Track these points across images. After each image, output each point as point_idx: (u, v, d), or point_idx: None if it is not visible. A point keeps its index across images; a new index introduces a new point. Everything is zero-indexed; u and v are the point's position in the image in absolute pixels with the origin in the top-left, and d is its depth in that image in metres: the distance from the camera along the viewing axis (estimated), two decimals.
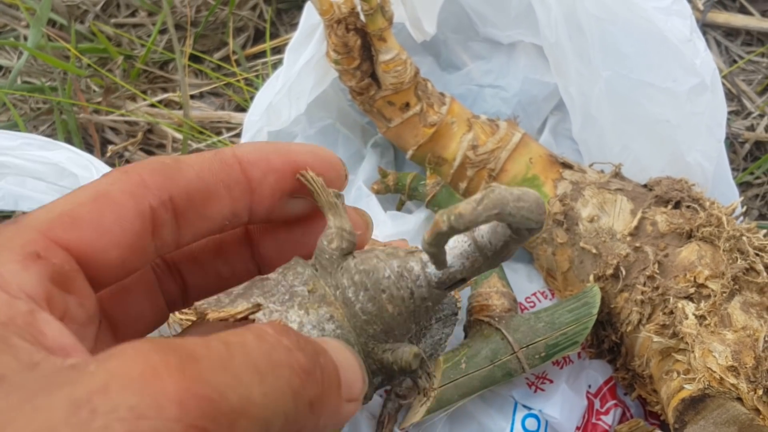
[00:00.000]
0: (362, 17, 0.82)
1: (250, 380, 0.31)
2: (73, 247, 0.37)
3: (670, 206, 0.80)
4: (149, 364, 0.29)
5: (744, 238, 0.75)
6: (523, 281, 0.86)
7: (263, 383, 0.32)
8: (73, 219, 0.37)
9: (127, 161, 0.94)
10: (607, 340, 0.81)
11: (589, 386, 0.81)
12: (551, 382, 0.80)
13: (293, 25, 1.00)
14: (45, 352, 0.31)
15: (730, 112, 1.04)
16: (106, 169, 0.77)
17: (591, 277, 0.79)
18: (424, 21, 0.88)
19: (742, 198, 0.99)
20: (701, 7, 1.09)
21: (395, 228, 0.85)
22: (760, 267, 0.74)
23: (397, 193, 0.88)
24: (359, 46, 0.84)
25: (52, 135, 0.93)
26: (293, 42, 0.86)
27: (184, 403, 0.28)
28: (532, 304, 0.85)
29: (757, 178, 1.00)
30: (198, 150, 0.91)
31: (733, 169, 1.00)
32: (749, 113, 1.04)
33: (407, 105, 0.86)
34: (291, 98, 0.85)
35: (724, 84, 1.06)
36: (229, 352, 0.31)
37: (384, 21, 0.82)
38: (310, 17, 0.85)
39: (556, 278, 0.84)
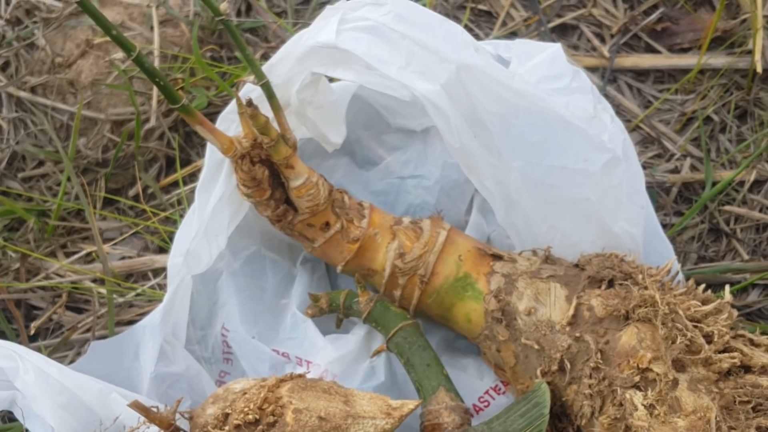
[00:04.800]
0: (265, 147, 0.81)
1: None
2: None
3: (603, 286, 0.79)
4: None
5: (680, 312, 0.74)
6: (473, 380, 0.85)
7: None
8: None
9: (57, 324, 0.91)
10: (565, 431, 0.80)
11: None
12: None
13: (204, 146, 0.99)
14: None
15: (652, 156, 1.04)
16: (30, 353, 0.75)
17: (538, 372, 0.78)
18: (330, 134, 0.87)
19: (678, 243, 0.99)
20: (607, 54, 1.09)
21: (336, 352, 0.84)
22: (700, 340, 0.73)
23: (333, 313, 0.87)
24: (268, 177, 0.82)
25: None
26: (201, 181, 0.84)
27: None
28: (486, 404, 0.84)
29: (692, 219, 0.99)
30: (126, 302, 0.89)
31: (664, 215, 1.00)
32: (672, 155, 1.04)
33: (327, 224, 0.84)
34: (209, 238, 0.84)
35: (642, 128, 1.06)
36: None
37: (287, 149, 0.81)
38: (214, 154, 0.84)
39: (506, 371, 0.83)
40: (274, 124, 0.81)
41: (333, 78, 0.84)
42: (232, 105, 0.82)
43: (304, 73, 0.80)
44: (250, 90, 0.82)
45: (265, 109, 0.80)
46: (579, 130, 0.80)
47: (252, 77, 0.79)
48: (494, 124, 0.80)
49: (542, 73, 0.83)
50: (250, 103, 0.78)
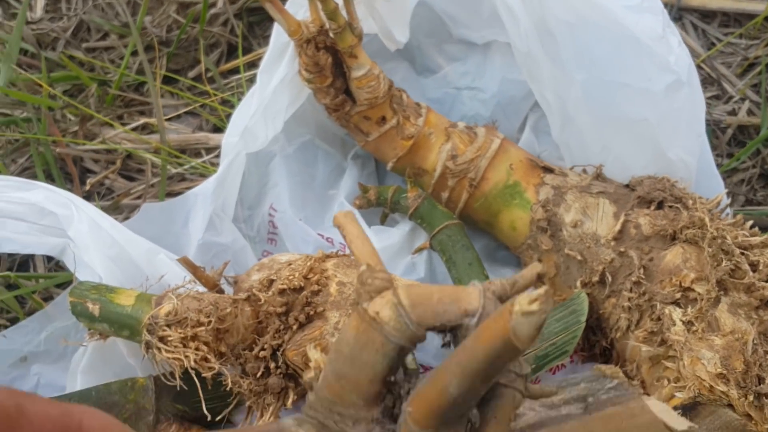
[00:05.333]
0: (332, 35, 0.81)
1: None
2: None
3: (653, 207, 0.79)
4: None
5: (728, 237, 0.74)
6: None
7: None
8: None
9: (109, 189, 0.93)
10: (597, 344, 0.81)
11: None
12: None
13: (266, 38, 0.99)
14: None
15: (710, 97, 1.03)
16: (85, 205, 0.76)
17: (578, 284, 0.79)
18: (395, 31, 0.87)
19: (728, 185, 0.99)
20: None
21: (380, 243, 0.85)
22: (745, 266, 0.73)
23: (379, 207, 0.88)
24: (331, 64, 0.83)
25: (30, 168, 0.92)
26: (265, 62, 0.85)
27: None
28: None
29: (743, 162, 0.99)
30: (178, 175, 0.91)
31: (716, 156, 1.00)
32: (730, 97, 1.03)
33: (383, 119, 0.85)
34: (267, 119, 0.85)
35: (703, 68, 1.05)
36: None
37: (353, 38, 0.81)
38: (279, 36, 0.84)
39: (544, 283, 0.84)
40: (343, 12, 0.81)
41: None
42: None
43: None
44: None
45: None
46: (646, 48, 0.80)
47: None
48: (562, 33, 0.79)
49: None
50: None
